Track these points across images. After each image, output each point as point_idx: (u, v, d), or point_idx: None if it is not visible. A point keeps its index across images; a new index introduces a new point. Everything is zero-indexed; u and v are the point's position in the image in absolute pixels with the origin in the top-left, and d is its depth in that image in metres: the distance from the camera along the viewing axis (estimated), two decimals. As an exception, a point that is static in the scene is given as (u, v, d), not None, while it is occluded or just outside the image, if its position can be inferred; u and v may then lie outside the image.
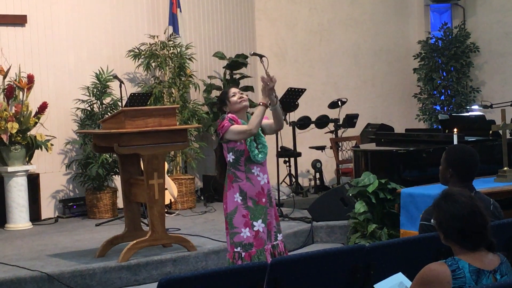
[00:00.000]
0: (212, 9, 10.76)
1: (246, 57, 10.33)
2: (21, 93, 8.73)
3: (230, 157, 5.28)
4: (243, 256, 5.19)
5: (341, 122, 10.78)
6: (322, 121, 10.72)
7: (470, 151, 4.38)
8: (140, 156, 6.70)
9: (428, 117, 11.83)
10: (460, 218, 3.26)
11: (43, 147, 8.77)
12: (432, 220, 3.39)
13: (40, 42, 9.25)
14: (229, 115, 5.25)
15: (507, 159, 6.56)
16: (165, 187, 6.94)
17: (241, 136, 5.19)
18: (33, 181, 9.00)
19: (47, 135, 8.91)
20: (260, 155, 5.28)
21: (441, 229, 3.34)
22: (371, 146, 8.70)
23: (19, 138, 8.53)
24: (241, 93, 5.34)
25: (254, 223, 5.23)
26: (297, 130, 10.39)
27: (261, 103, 5.17)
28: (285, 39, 11.61)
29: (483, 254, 3.28)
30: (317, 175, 10.53)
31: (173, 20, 10.00)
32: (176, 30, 9.97)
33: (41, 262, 6.71)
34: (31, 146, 8.71)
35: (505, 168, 6.51)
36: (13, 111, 8.59)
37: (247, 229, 5.21)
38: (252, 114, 5.29)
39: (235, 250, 5.22)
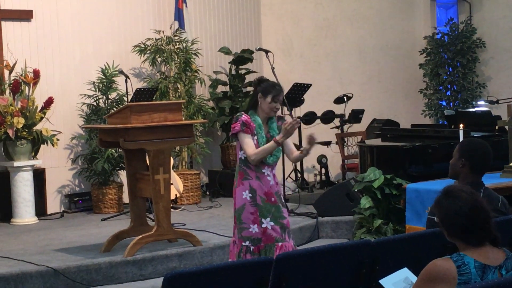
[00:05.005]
0: (218, 4, 10.76)
1: (252, 52, 10.32)
2: (27, 88, 8.74)
3: (241, 154, 5.31)
4: (251, 249, 5.22)
5: (346, 117, 10.75)
6: (327, 117, 10.70)
7: (485, 144, 4.42)
8: (146, 151, 6.70)
9: (434, 113, 11.80)
10: (463, 214, 3.25)
11: (49, 142, 8.78)
12: (435, 218, 3.39)
13: (46, 37, 9.25)
14: (243, 117, 5.25)
15: (513, 155, 6.55)
16: (171, 182, 6.94)
17: (244, 150, 5.26)
18: (39, 176, 9.01)
19: (53, 130, 8.91)
20: (271, 158, 5.30)
21: (444, 226, 3.33)
22: (377, 142, 8.70)
23: (25, 133, 8.54)
24: (277, 107, 5.35)
25: (263, 220, 5.25)
26: (302, 126, 10.35)
27: (275, 139, 5.20)
28: (290, 34, 11.59)
29: (488, 249, 3.27)
30: (323, 170, 10.52)
31: (178, 15, 10.00)
32: (181, 25, 9.97)
33: (47, 256, 6.72)
34: (37, 141, 8.72)
35: (511, 164, 6.50)
36: (19, 106, 8.60)
37: (256, 225, 5.25)
38: (276, 118, 5.36)
39: (243, 243, 5.25)
